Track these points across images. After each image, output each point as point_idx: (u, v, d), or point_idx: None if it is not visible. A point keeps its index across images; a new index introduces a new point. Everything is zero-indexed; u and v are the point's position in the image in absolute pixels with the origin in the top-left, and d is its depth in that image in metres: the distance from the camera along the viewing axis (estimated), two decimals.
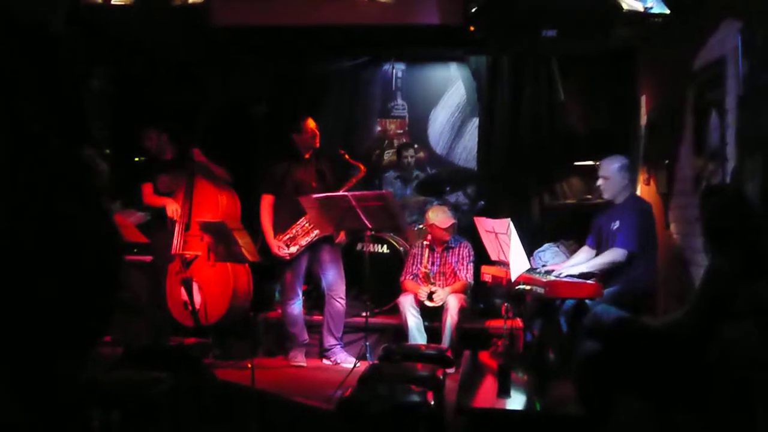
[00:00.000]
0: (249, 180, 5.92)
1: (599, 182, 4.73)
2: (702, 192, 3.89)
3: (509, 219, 4.19)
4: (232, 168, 5.79)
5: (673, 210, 4.98)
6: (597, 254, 4.69)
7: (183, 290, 5.34)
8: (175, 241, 5.53)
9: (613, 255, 4.46)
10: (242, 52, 6.35)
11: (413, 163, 6.83)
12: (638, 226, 4.49)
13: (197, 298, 5.34)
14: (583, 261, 4.67)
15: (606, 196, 4.71)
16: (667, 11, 4.63)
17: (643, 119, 5.81)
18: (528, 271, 4.37)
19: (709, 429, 2.36)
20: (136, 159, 5.99)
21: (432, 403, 3.05)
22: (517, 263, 4.15)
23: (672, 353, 2.78)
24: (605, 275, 4.48)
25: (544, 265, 4.97)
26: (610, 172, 4.65)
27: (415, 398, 3.05)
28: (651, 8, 4.63)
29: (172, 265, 5.55)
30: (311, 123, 5.45)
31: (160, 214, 5.64)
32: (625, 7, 4.58)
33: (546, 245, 5.68)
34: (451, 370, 4.47)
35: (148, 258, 5.57)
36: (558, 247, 5.61)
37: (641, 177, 5.78)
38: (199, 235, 5.39)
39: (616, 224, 4.55)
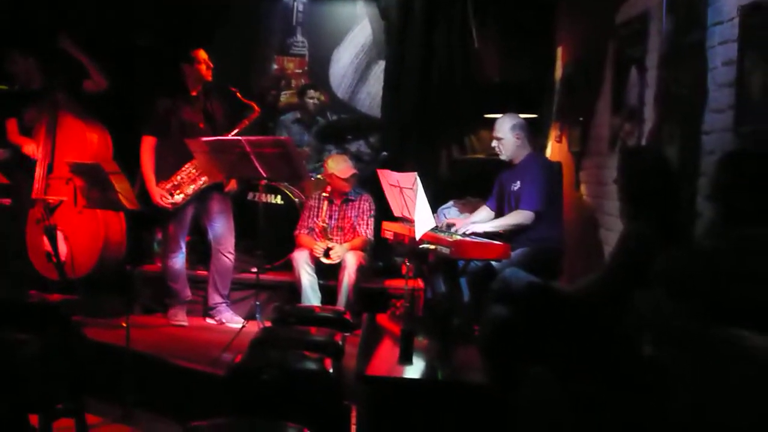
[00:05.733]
0: (127, 118, 5.65)
1: (493, 143, 4.82)
2: (622, 153, 3.99)
3: (416, 173, 4.18)
4: (108, 104, 5.50)
5: (586, 170, 5.11)
6: (497, 216, 4.77)
7: (46, 239, 5.10)
8: (36, 184, 5.24)
9: (519, 217, 4.56)
10: None
11: (316, 107, 6.70)
12: (542, 184, 4.60)
13: (62, 249, 5.14)
14: (485, 220, 4.76)
15: (502, 156, 4.80)
16: None
17: (559, 73, 5.91)
18: (433, 229, 4.39)
19: (620, 403, 2.44)
20: None
21: (331, 371, 3.02)
22: (423, 221, 4.16)
23: (584, 321, 2.86)
24: (511, 236, 4.57)
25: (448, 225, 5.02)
26: (503, 131, 4.74)
27: (312, 366, 3.02)
28: None
29: (33, 211, 5.27)
30: (203, 53, 5.26)
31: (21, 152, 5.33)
32: None
33: (450, 202, 5.74)
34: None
35: (7, 201, 5.30)
36: (463, 205, 5.68)
37: (553, 133, 5.90)
38: (64, 177, 5.13)
39: (517, 185, 4.65)
